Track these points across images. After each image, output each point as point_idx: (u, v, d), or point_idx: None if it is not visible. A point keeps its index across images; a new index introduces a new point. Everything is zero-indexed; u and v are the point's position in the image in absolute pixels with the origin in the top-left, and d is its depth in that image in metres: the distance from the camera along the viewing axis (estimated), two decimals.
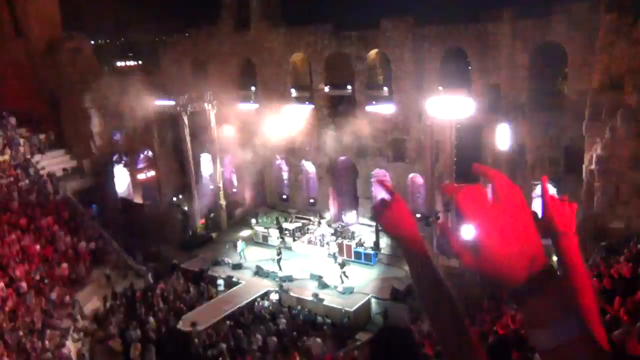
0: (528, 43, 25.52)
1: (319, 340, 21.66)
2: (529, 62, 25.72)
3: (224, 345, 21.13)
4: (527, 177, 26.41)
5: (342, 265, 26.57)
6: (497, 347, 5.09)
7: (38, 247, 25.90)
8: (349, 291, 25.42)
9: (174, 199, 36.40)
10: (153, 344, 21.27)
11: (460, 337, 1.93)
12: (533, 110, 25.98)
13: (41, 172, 31.98)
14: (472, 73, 27.49)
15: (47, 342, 20.71)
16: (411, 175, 30.61)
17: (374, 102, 31.21)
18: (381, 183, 2.26)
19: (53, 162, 33.78)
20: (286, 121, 34.03)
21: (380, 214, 2.08)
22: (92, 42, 43.28)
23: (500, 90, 25.79)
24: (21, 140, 33.14)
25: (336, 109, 32.56)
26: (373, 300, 25.29)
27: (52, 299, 23.48)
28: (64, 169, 33.99)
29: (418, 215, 30.32)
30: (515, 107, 24.35)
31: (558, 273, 1.34)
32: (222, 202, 34.70)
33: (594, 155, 20.81)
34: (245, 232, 32.94)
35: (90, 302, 25.12)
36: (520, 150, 25.71)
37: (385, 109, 30.62)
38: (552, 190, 26.23)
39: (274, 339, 22.00)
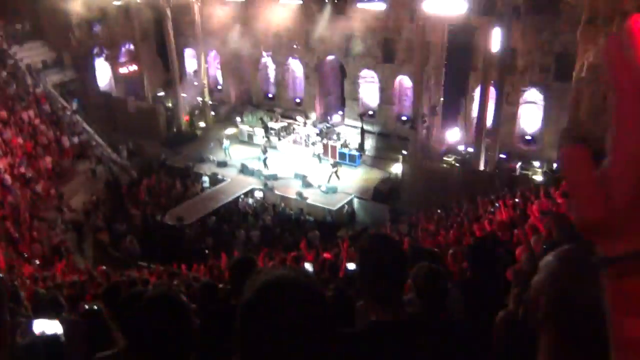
0: None
1: (317, 232, 22.44)
2: None
3: (210, 240, 21.79)
4: (517, 83, 26.20)
5: (335, 165, 26.80)
6: (478, 249, 5.21)
7: (20, 140, 25.61)
8: (332, 190, 25.87)
9: (158, 94, 35.71)
10: (140, 236, 21.80)
11: None
12: (528, 13, 25.22)
13: (19, 63, 30.90)
14: None
15: (35, 233, 21.10)
16: (399, 77, 30.16)
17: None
18: None
19: (31, 54, 32.53)
20: (274, 17, 32.83)
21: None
22: None
23: None
24: None
25: (325, 5, 31.26)
26: (355, 200, 25.84)
27: (38, 192, 23.62)
28: (43, 61, 32.88)
29: (404, 118, 30.32)
30: (510, 9, 23.56)
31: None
32: (207, 99, 34.20)
33: (586, 63, 20.53)
34: (230, 130, 32.80)
35: (76, 195, 25.34)
36: (512, 54, 25.24)
37: (377, 6, 29.52)
38: (539, 98, 26.16)
39: (257, 232, 22.73)
